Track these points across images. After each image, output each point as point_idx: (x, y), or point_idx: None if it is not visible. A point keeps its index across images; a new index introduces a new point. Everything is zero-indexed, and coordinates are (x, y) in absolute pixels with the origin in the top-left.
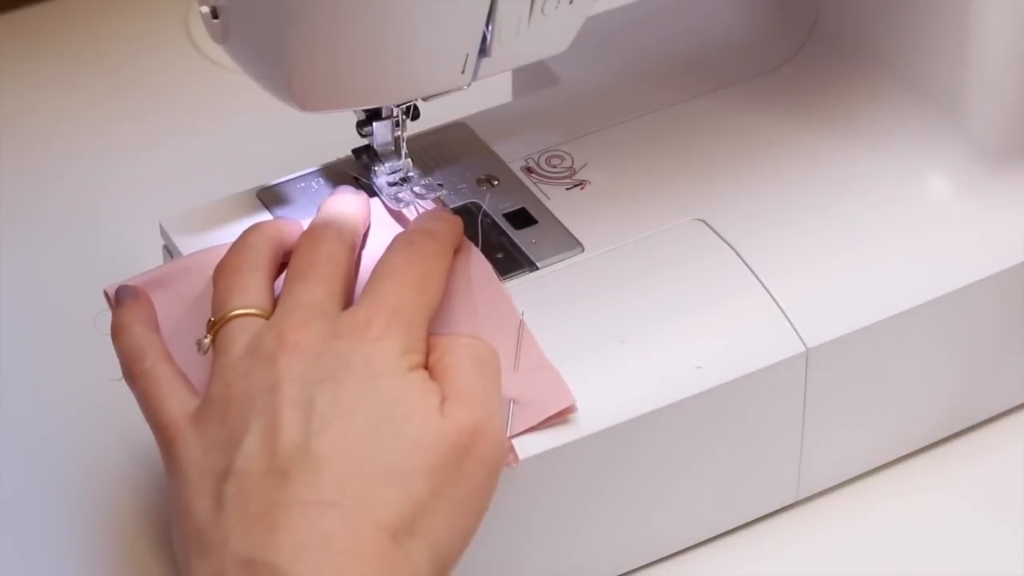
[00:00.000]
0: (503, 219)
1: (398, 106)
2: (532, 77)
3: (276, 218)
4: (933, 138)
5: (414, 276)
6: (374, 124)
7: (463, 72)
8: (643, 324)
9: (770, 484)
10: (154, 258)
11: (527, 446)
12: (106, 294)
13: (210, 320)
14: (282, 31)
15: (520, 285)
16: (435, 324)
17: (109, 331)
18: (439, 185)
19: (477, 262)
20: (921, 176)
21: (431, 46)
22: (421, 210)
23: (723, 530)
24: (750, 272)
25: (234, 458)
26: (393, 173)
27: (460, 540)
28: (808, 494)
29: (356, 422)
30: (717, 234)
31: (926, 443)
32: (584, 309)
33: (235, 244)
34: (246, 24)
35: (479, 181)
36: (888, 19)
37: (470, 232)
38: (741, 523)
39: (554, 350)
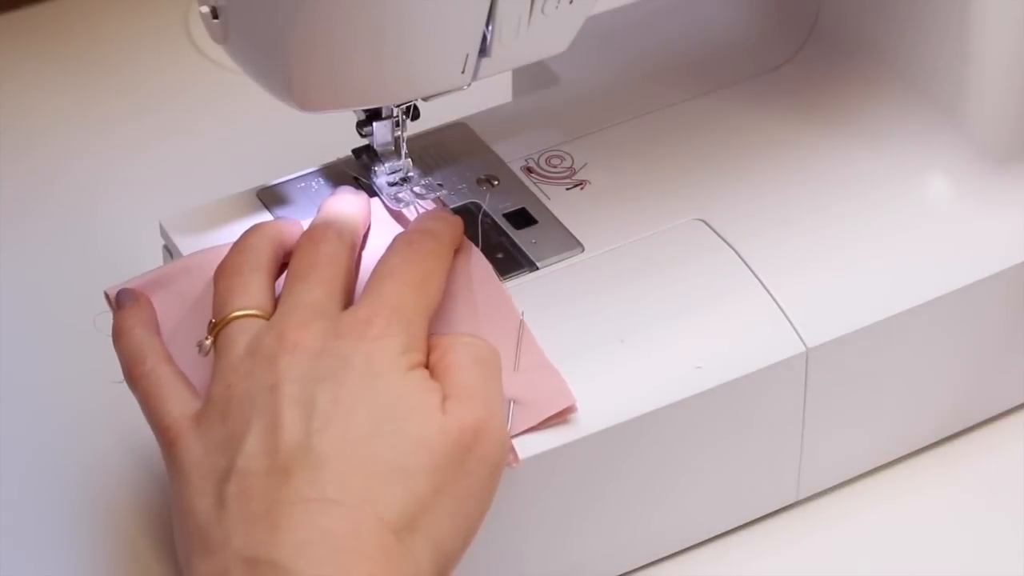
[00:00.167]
0: (503, 219)
1: (398, 106)
2: (532, 77)
3: (276, 218)
4: (933, 138)
5: (414, 276)
6: (374, 124)
7: (463, 72)
8: (643, 324)
9: (770, 484)
10: (154, 258)
11: (527, 446)
12: (107, 295)
13: (211, 321)
14: (282, 31)
15: (520, 285)
16: (435, 324)
17: (110, 333)
18: (439, 185)
19: (477, 262)
20: (921, 176)
21: (431, 46)
22: (421, 210)
23: (723, 530)
24: (750, 272)
25: (235, 458)
26: (393, 173)
27: (462, 538)
28: (808, 494)
29: (357, 420)
30: (717, 234)
31: (926, 443)
32: (584, 309)
33: (235, 245)
34: (246, 24)
35: (479, 181)
36: (888, 18)
37: (470, 232)
38: (741, 523)
39: (554, 350)
